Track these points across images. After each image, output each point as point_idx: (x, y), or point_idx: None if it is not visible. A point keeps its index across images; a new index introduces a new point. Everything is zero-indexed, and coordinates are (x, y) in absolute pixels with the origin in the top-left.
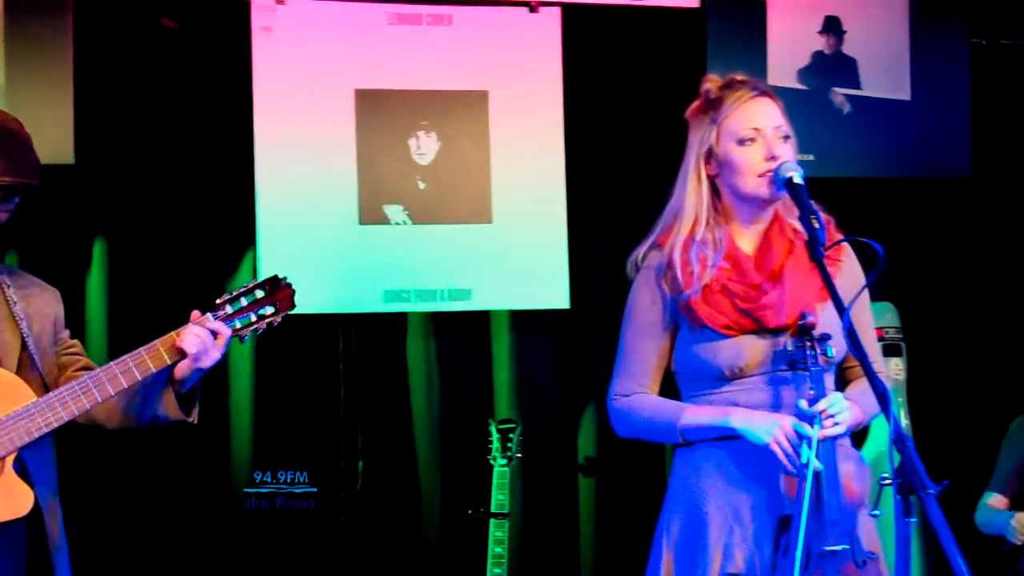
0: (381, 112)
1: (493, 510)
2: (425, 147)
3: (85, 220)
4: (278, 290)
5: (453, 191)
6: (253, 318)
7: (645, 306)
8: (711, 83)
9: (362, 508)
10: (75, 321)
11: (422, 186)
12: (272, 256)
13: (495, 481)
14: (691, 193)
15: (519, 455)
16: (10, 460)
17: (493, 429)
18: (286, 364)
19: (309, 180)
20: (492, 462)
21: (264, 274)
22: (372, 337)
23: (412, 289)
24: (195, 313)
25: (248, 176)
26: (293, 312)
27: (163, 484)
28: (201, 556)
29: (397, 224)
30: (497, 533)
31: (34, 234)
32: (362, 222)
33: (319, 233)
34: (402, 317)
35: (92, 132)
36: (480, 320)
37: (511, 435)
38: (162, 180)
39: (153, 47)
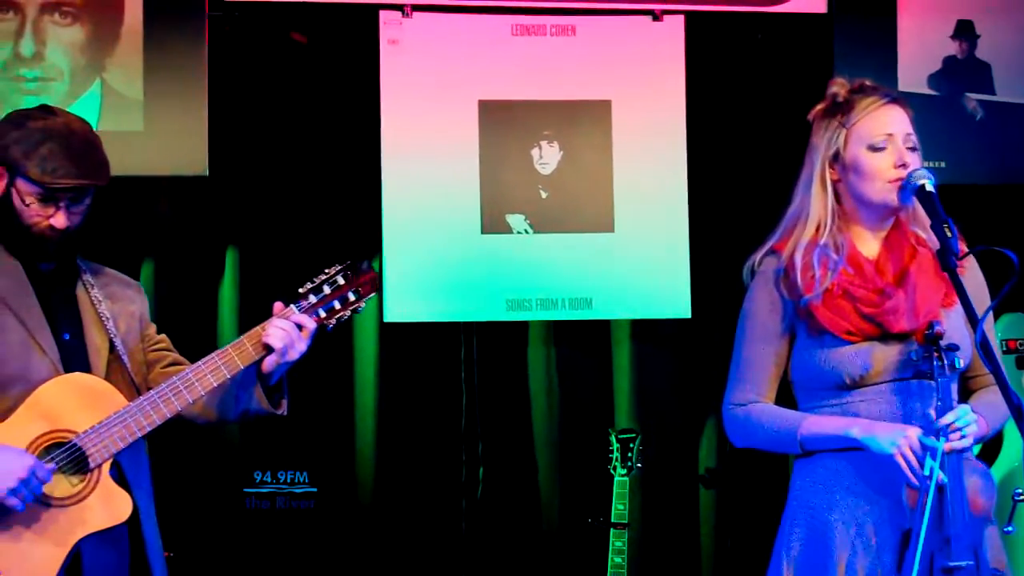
0: (504, 122)
1: (613, 520)
2: (547, 157)
3: (218, 230)
4: (360, 275)
5: (575, 200)
6: (337, 305)
7: (761, 312)
8: (839, 86)
9: (482, 515)
10: (208, 328)
11: (544, 195)
12: (397, 264)
13: (615, 491)
14: (815, 197)
15: (639, 465)
16: (106, 467)
17: (613, 439)
18: (410, 370)
19: (433, 190)
20: (612, 472)
21: (389, 282)
22: (494, 345)
23: (534, 298)
24: (278, 305)
25: (375, 186)
26: (418, 320)
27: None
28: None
29: (519, 233)
30: (617, 543)
31: (169, 244)
32: (484, 231)
33: (443, 242)
34: (523, 325)
35: (225, 144)
36: (601, 329)
37: (631, 445)
38: (292, 190)
39: (284, 61)
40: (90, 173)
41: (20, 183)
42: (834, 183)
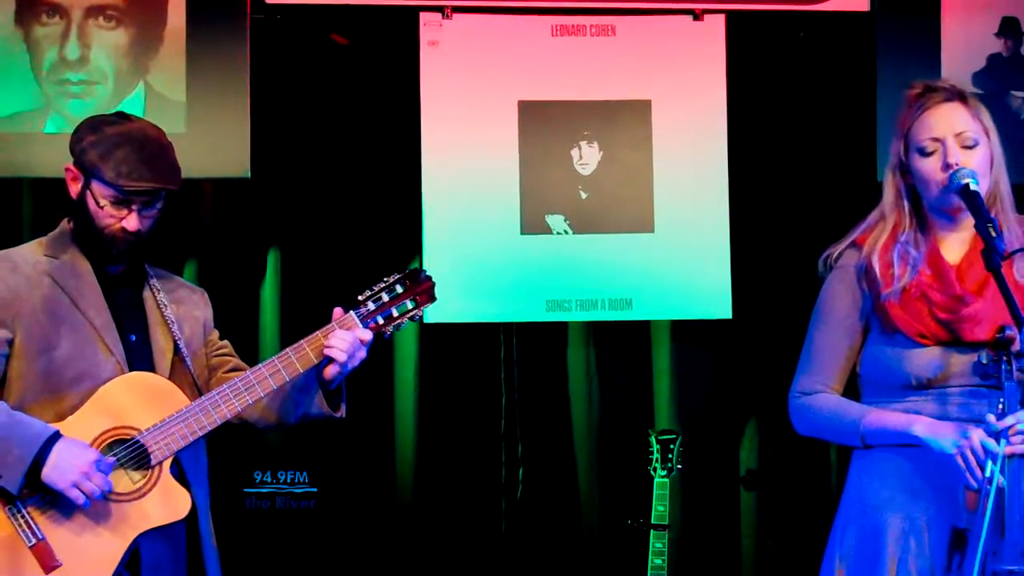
0: (544, 123)
1: (653, 521)
2: (587, 157)
3: (260, 231)
4: (418, 284)
5: (615, 201)
6: (395, 313)
7: (839, 304)
8: (911, 90)
9: (522, 516)
10: (250, 328)
11: (584, 196)
12: (437, 265)
13: (655, 492)
14: (890, 202)
15: (679, 466)
16: (167, 464)
17: (653, 440)
18: (449, 371)
19: (473, 191)
20: (652, 473)
21: None
22: (533, 346)
23: (573, 299)
24: (337, 311)
25: (415, 187)
26: (458, 320)
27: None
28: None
29: (559, 234)
30: (657, 545)
31: (212, 245)
32: (524, 232)
33: (482, 242)
34: (563, 326)
35: (267, 146)
36: (641, 330)
37: (672, 446)
38: (333, 192)
39: (325, 63)
40: (163, 177)
41: (95, 185)
42: (910, 188)
